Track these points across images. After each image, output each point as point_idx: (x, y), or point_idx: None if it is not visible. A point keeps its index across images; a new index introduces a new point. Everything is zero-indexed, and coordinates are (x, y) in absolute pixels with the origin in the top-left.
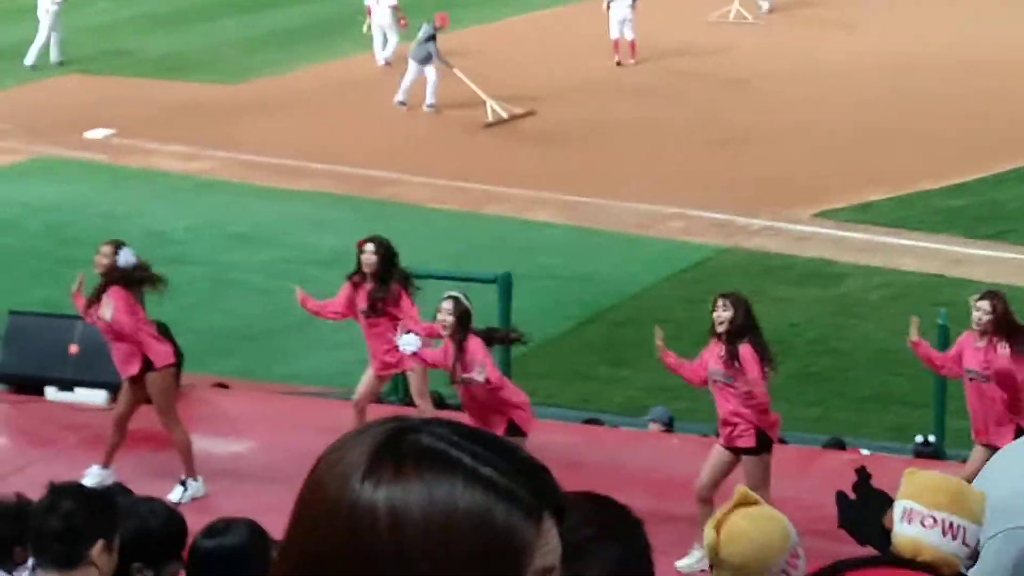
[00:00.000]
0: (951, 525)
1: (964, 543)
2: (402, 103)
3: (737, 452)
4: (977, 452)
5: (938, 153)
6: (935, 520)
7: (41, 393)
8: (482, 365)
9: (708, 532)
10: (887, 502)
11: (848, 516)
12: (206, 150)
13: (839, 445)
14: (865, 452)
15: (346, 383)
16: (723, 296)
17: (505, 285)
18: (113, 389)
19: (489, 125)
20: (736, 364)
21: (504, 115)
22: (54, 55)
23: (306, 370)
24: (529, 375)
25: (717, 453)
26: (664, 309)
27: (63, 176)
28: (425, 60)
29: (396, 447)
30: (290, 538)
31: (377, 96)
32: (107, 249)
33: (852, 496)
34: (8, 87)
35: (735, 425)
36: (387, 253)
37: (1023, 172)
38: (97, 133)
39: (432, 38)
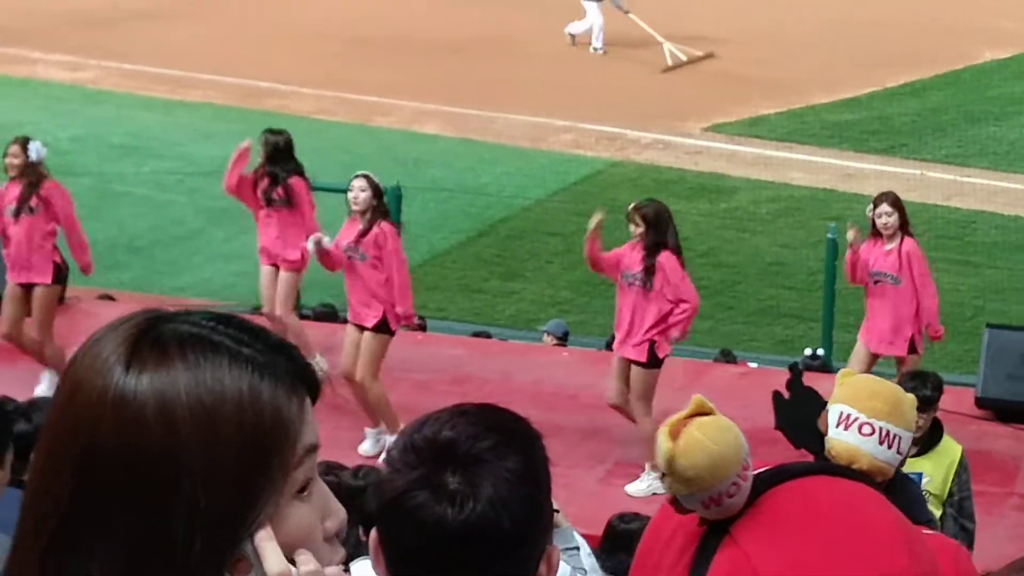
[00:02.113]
0: (887, 433)
1: (898, 451)
2: (572, 36)
3: (628, 361)
4: (862, 354)
5: (830, 67)
6: (872, 428)
7: None
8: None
9: (662, 440)
10: (820, 404)
11: (784, 417)
12: (91, 59)
13: (729, 358)
14: (753, 365)
15: (233, 296)
16: (636, 210)
17: (394, 198)
18: None
19: (668, 70)
20: (652, 274)
21: (683, 58)
22: None
23: (193, 283)
24: (419, 288)
25: (615, 361)
26: (555, 222)
27: None
28: None
29: (156, 335)
30: (50, 444)
31: (266, 6)
32: (15, 148)
33: (786, 395)
34: None
35: (631, 334)
36: (280, 143)
37: (915, 86)
38: None
39: None
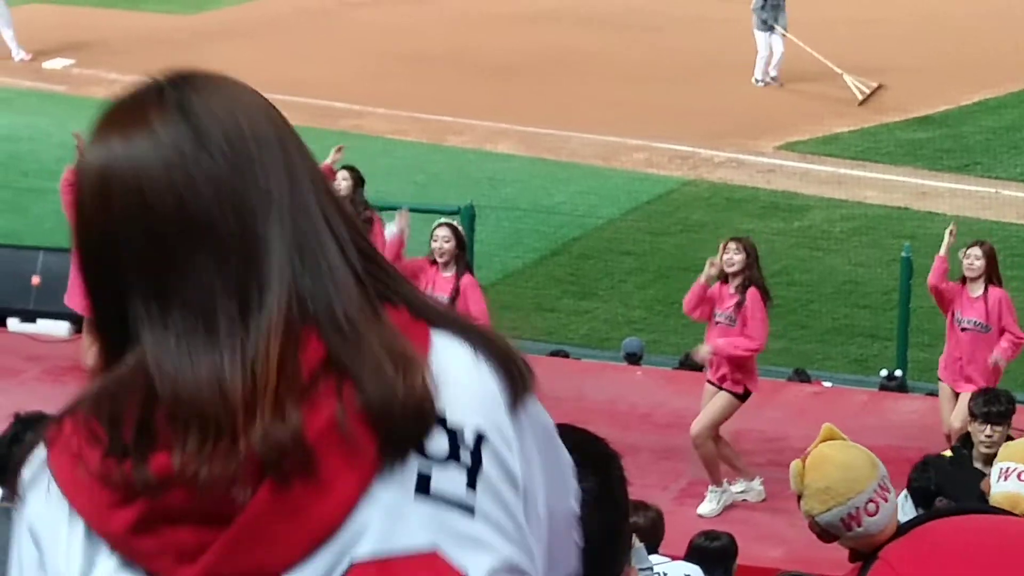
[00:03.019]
0: None
1: None
2: (773, 79)
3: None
4: (947, 392)
5: (903, 84)
6: None
7: (3, 324)
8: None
9: (794, 464)
10: (983, 472)
11: (944, 478)
12: None
13: (803, 377)
14: (828, 384)
15: None
16: (734, 240)
17: (468, 217)
18: (75, 320)
19: (862, 103)
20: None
21: (866, 90)
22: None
23: None
24: (493, 306)
25: (707, 390)
26: (628, 241)
27: (22, 107)
28: (769, 26)
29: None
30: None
31: (338, 26)
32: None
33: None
34: None
35: (719, 368)
36: (359, 179)
37: (989, 104)
38: (56, 63)
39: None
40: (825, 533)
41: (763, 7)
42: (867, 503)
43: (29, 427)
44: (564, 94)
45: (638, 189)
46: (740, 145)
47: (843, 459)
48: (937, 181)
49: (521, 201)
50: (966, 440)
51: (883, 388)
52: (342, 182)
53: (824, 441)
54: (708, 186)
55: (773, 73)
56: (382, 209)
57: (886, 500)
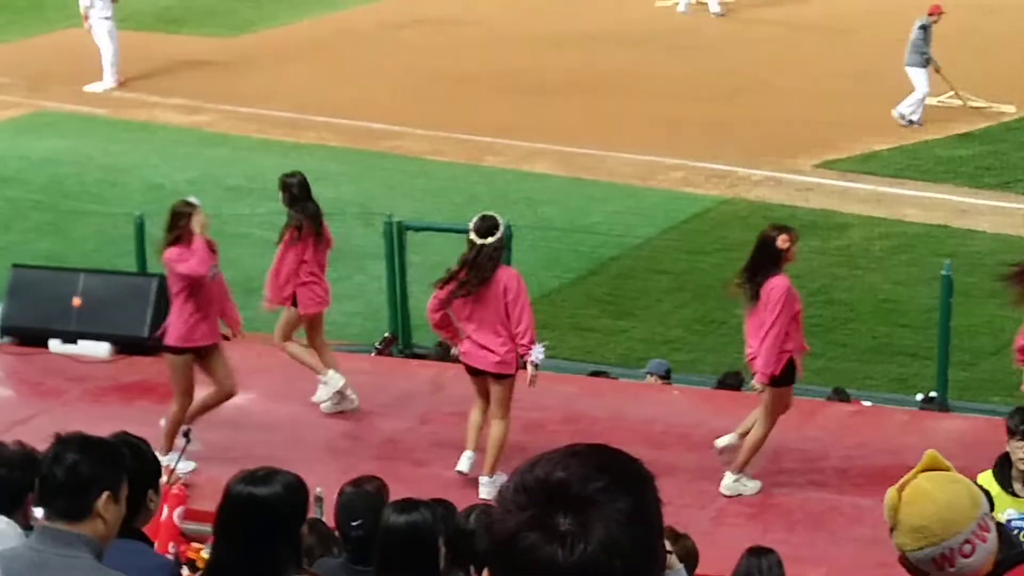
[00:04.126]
0: None
1: None
2: (901, 116)
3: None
4: None
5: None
6: None
7: (45, 345)
8: None
9: (890, 493)
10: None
11: None
12: (207, 103)
13: (842, 396)
14: (867, 403)
15: (346, 335)
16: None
17: (506, 237)
18: (115, 341)
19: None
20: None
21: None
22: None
23: None
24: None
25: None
26: (665, 260)
27: (64, 130)
28: (925, 63)
29: None
30: None
31: (378, 47)
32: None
33: None
34: (9, 41)
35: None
36: (282, 187)
37: None
38: (97, 87)
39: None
40: (915, 569)
41: (925, 42)
42: (963, 544)
43: (68, 448)
44: (601, 114)
45: (675, 208)
46: (778, 163)
47: (943, 497)
48: (977, 199)
49: (558, 221)
50: (1004, 461)
51: (924, 409)
52: (280, 193)
53: (925, 470)
54: (746, 205)
55: (914, 115)
56: (419, 230)
57: (984, 540)
